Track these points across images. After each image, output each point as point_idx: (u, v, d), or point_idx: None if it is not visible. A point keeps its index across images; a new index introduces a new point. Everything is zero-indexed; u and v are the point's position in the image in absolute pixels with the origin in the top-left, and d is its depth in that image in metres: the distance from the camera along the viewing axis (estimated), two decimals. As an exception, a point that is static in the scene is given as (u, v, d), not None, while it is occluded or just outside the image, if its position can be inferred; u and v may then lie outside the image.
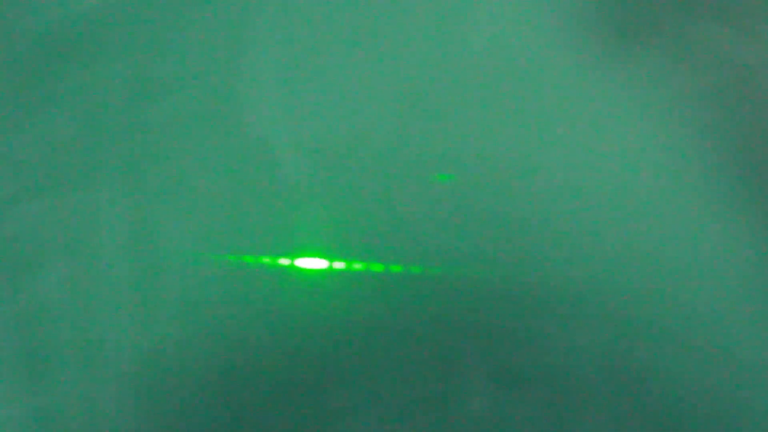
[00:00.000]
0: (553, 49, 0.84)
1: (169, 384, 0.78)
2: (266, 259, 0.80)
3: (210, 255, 0.80)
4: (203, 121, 0.82)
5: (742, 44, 0.84)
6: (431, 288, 0.78)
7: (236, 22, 0.85)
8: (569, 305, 0.77)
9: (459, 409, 0.76)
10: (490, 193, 0.80)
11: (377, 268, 0.79)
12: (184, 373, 0.78)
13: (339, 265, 0.79)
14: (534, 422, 0.76)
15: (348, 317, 0.78)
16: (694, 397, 0.77)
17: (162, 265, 0.80)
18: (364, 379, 0.77)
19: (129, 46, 0.84)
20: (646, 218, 0.80)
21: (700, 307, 0.77)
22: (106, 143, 0.82)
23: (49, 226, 0.81)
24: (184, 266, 0.80)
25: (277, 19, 0.85)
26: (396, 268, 0.79)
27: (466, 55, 0.83)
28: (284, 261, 0.80)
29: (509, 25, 0.84)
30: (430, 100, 0.82)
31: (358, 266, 0.80)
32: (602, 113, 0.82)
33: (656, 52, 0.84)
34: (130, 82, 0.83)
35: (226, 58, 0.84)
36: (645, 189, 0.80)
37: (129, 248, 0.80)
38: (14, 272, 0.80)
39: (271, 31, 0.84)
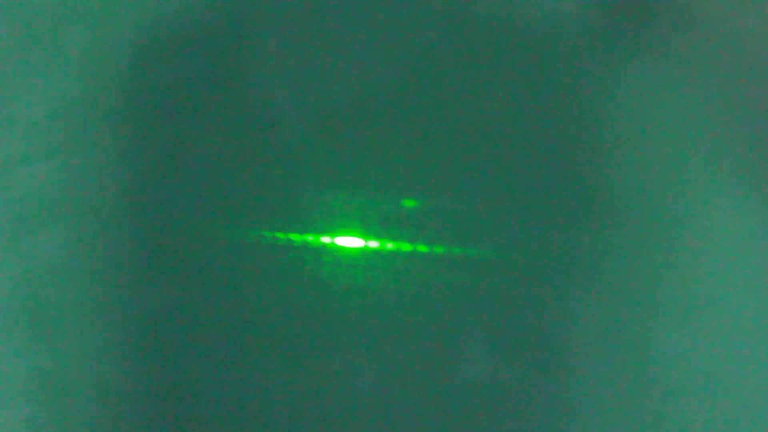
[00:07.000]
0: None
1: (173, 345, 0.79)
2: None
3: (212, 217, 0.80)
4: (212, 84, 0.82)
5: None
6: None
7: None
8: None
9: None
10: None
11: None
12: (187, 334, 0.79)
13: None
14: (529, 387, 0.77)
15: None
16: (689, 367, 0.77)
17: (163, 224, 0.81)
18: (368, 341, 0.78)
19: (133, 10, 0.84)
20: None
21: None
22: (114, 105, 0.82)
23: (57, 187, 0.81)
24: (189, 226, 0.81)
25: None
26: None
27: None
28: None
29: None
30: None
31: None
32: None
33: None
34: (136, 45, 0.83)
35: (232, 23, 0.84)
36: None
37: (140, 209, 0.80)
38: (22, 232, 0.80)
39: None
